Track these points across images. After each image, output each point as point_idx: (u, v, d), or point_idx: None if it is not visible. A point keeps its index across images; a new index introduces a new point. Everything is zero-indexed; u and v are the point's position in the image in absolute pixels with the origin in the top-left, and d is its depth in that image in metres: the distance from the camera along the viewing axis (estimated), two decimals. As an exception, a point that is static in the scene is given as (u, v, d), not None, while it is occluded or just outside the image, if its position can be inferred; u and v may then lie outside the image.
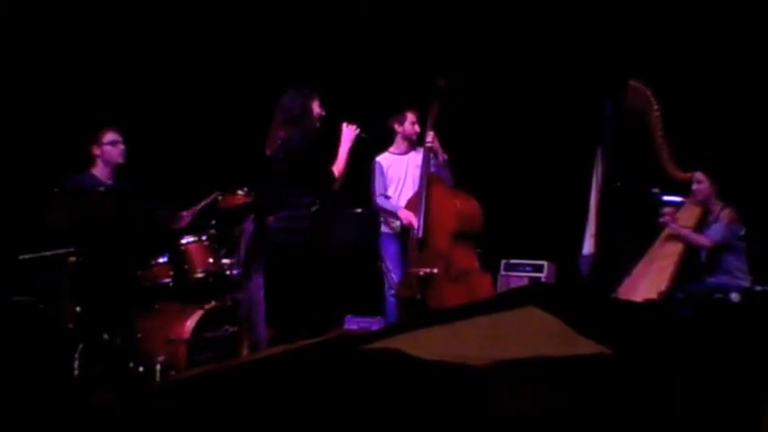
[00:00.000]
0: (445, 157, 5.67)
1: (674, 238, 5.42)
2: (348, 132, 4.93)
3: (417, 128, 5.79)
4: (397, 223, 5.67)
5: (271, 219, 4.71)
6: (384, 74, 6.61)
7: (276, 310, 4.76)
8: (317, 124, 4.82)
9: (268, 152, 4.79)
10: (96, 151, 4.98)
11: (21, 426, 2.55)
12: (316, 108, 4.79)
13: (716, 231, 5.29)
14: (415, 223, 5.51)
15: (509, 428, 1.93)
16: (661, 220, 5.46)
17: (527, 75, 6.57)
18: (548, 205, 6.50)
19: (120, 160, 5.03)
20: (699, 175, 5.39)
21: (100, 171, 4.99)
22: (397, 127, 5.84)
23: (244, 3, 6.73)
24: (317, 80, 6.40)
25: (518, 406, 1.97)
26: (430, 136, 5.62)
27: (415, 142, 5.83)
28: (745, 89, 5.93)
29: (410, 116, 5.81)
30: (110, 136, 5.00)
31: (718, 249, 5.29)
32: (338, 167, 4.79)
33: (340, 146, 4.93)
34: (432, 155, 5.63)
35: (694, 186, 5.42)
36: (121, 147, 5.03)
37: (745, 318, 3.00)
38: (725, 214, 5.33)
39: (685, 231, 5.36)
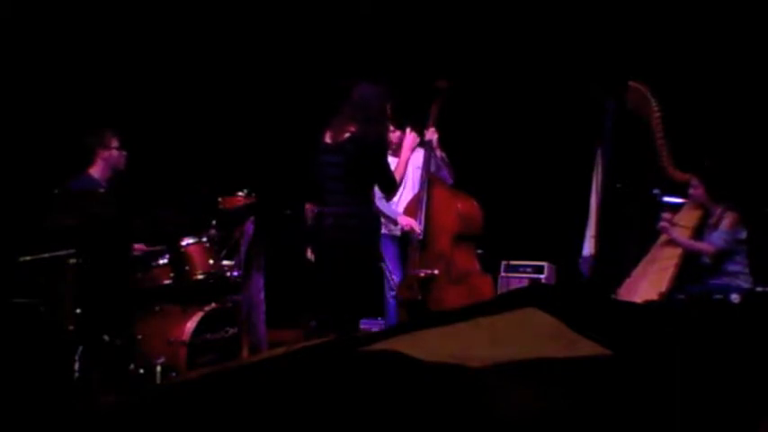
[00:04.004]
0: (442, 154, 5.63)
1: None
2: (411, 139, 4.81)
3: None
4: (397, 231, 5.64)
5: (327, 212, 4.48)
6: (383, 75, 6.60)
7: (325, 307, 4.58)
8: None
9: (328, 140, 4.47)
10: (103, 154, 4.96)
11: (21, 427, 2.55)
12: (388, 110, 4.60)
13: (718, 237, 5.25)
14: (416, 227, 5.46)
15: (509, 430, 1.93)
16: (660, 225, 5.44)
17: (528, 76, 6.58)
18: (548, 206, 6.50)
19: (122, 167, 5.03)
20: (694, 180, 5.38)
21: (99, 173, 4.97)
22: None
23: (242, 5, 6.73)
24: (316, 81, 6.43)
25: (518, 407, 1.97)
26: (430, 132, 5.59)
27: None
28: (745, 89, 5.92)
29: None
30: (116, 141, 5.00)
31: (720, 255, 5.26)
32: (399, 173, 4.61)
33: (402, 151, 4.84)
34: (429, 150, 5.56)
35: (690, 191, 5.42)
36: (125, 153, 5.03)
37: (745, 319, 3.00)
38: (726, 218, 5.29)
39: (686, 240, 5.32)
